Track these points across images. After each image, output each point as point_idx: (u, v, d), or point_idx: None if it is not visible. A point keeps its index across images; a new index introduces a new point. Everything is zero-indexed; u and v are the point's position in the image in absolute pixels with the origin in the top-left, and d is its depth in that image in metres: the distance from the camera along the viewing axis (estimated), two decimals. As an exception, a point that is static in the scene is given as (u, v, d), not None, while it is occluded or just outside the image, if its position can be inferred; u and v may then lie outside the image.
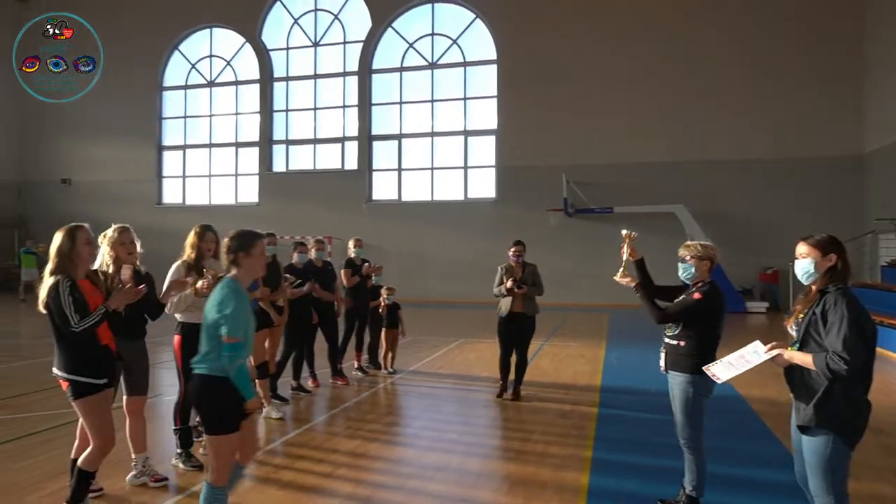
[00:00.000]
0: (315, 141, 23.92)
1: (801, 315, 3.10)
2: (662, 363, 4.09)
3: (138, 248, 4.43)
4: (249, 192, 24.34)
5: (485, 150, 22.20)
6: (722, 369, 3.28)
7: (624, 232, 4.35)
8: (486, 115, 22.09)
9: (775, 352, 3.08)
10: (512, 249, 7.27)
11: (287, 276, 6.95)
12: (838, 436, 2.89)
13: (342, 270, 8.31)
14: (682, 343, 3.97)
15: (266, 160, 24.12)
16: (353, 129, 23.32)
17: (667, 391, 4.17)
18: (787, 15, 18.99)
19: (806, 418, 2.98)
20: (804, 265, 3.13)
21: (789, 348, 3.08)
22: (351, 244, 8.63)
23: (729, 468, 4.83)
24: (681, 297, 4.05)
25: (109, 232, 4.39)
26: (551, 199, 19.96)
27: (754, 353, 3.15)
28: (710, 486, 4.08)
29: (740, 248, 18.38)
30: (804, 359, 2.97)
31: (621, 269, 4.27)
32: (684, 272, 4.10)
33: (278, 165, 24.25)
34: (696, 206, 18.59)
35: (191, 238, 4.97)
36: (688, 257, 4.08)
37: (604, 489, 4.50)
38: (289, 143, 24.38)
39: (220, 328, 3.22)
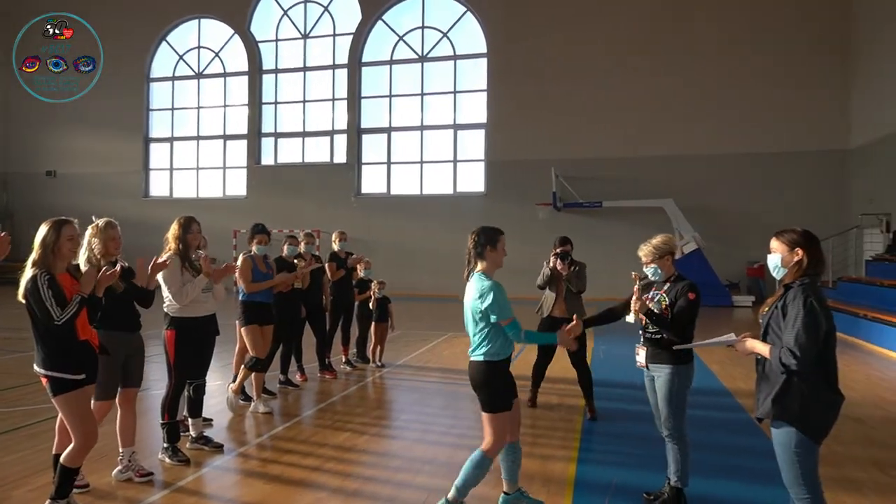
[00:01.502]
0: (304, 134, 23.81)
1: (767, 308, 3.17)
2: (642, 359, 4.12)
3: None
4: (237, 185, 24.21)
5: (474, 144, 22.21)
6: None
7: (634, 274, 4.21)
8: (476, 108, 22.09)
9: (742, 339, 3.16)
10: (558, 250, 6.43)
11: (299, 261, 7.09)
12: (800, 430, 2.94)
13: (327, 264, 8.29)
14: (667, 336, 4.02)
15: (254, 153, 23.98)
16: (342, 123, 23.22)
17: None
18: (777, 11, 19.09)
19: (763, 411, 3.05)
20: (773, 260, 3.19)
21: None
22: (335, 237, 8.61)
23: (713, 458, 4.89)
24: (666, 297, 4.08)
25: (100, 223, 4.35)
26: (540, 193, 20.01)
27: (725, 338, 3.25)
28: (694, 477, 4.12)
29: (727, 243, 18.53)
30: (764, 349, 3.04)
31: (631, 316, 4.13)
32: (654, 275, 4.18)
33: (267, 158, 24.13)
34: (684, 200, 18.72)
35: (174, 230, 4.91)
36: (648, 262, 4.15)
37: (590, 481, 4.53)
38: (277, 135, 24.24)
39: (488, 317, 3.63)
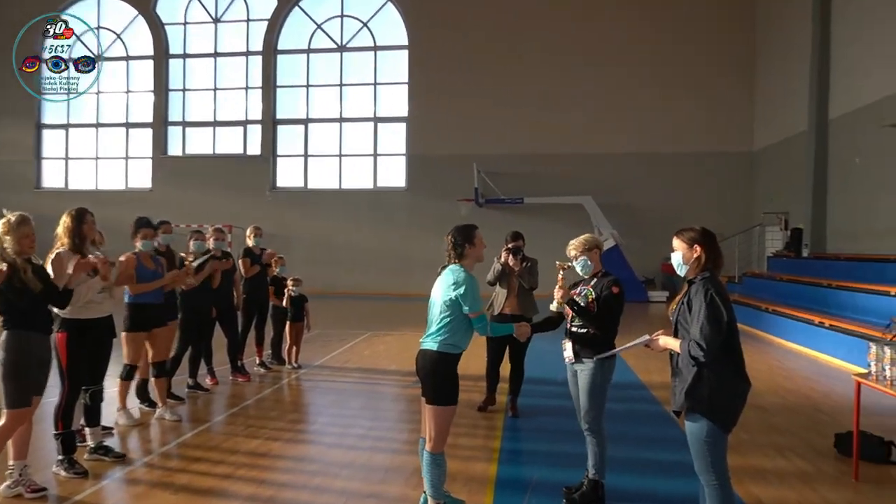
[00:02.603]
0: (215, 123, 22.99)
1: (675, 305, 3.34)
2: (569, 353, 4.23)
3: None
4: (141, 176, 23.13)
5: (395, 138, 22.13)
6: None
7: (558, 263, 4.28)
8: (397, 101, 22.00)
9: (656, 336, 3.32)
10: (510, 245, 6.32)
11: (187, 256, 6.61)
12: (711, 420, 3.10)
13: (240, 260, 8.12)
14: (592, 330, 4.15)
15: (160, 143, 22.92)
16: (256, 112, 22.62)
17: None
18: (689, 15, 20.06)
19: (678, 403, 3.21)
20: (675, 258, 3.39)
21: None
22: (249, 233, 8.45)
23: (629, 451, 5.09)
24: (593, 292, 4.21)
25: (12, 219, 4.07)
26: (462, 188, 20.18)
27: (640, 339, 3.40)
28: (611, 469, 4.27)
29: (643, 240, 19.32)
30: (676, 344, 3.21)
31: (554, 304, 4.20)
32: (583, 268, 4.33)
33: (174, 149, 23.16)
34: (602, 198, 19.36)
35: (66, 223, 4.58)
36: (578, 254, 4.29)
37: (511, 479, 4.61)
38: (186, 125, 23.24)
39: (456, 307, 3.69)
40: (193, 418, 6.22)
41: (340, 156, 22.42)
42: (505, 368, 6.57)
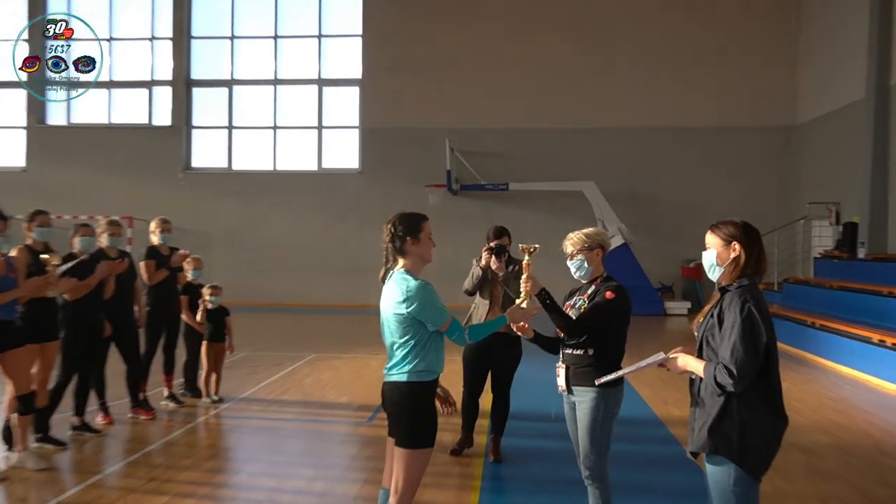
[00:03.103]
0: (110, 84, 22.73)
1: (702, 317, 3.38)
2: (562, 381, 4.24)
3: None
4: (12, 152, 22.85)
5: (346, 106, 22.11)
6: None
7: (522, 246, 4.28)
8: (349, 59, 22.02)
9: (674, 354, 3.33)
10: (493, 244, 6.23)
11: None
12: (739, 464, 3.14)
13: (142, 262, 8.04)
14: (591, 351, 4.16)
15: (37, 109, 22.61)
16: (165, 71, 22.47)
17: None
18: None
19: (698, 442, 3.23)
20: (708, 257, 3.41)
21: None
22: (153, 227, 8.38)
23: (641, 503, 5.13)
24: (588, 301, 4.22)
25: None
26: (431, 171, 20.20)
27: (653, 358, 3.41)
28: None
29: (660, 237, 19.53)
30: (699, 367, 3.23)
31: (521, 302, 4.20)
32: (577, 270, 4.35)
33: (56, 117, 22.96)
34: (608, 184, 19.53)
35: None
36: (575, 252, 4.31)
37: (492, 542, 4.60)
38: (71, 84, 22.80)
39: (416, 326, 3.69)
40: (79, 469, 6.14)
41: (275, 128, 22.34)
42: (486, 400, 6.55)
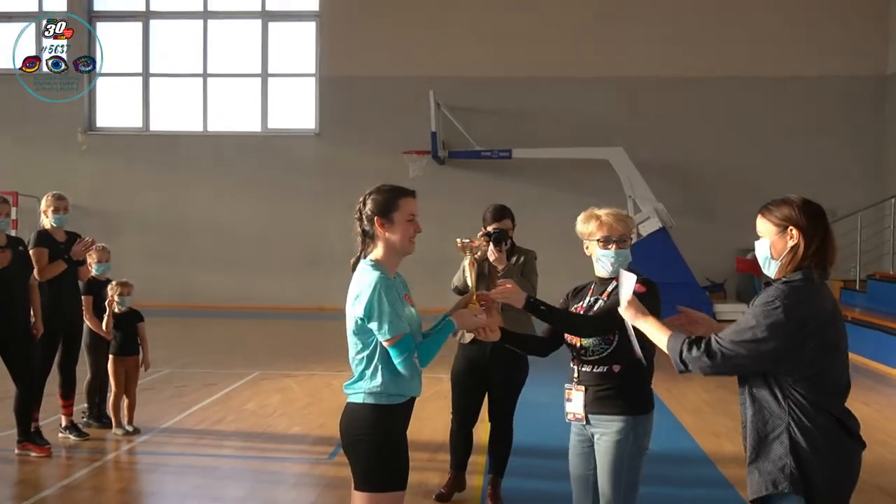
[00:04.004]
0: (-12, 20, 22.64)
1: None
2: (576, 407, 4.19)
3: None
4: None
5: (298, 48, 22.18)
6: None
7: (459, 241, 4.35)
8: (301, -14, 22.04)
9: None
10: (491, 228, 6.28)
11: None
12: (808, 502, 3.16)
13: (33, 250, 7.99)
14: (619, 367, 4.12)
15: None
16: (58, 0, 22.22)
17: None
18: None
19: (757, 486, 3.20)
20: (761, 248, 3.38)
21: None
22: (45, 206, 8.34)
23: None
24: (601, 297, 4.23)
25: None
26: (411, 134, 20.19)
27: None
28: None
29: (708, 220, 19.56)
30: (654, 332, 3.44)
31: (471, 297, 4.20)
32: (621, 262, 4.18)
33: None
34: (641, 151, 19.49)
35: None
36: (627, 236, 4.27)
37: None
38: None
39: (370, 333, 3.69)
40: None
41: (205, 76, 22.38)
42: (481, 430, 6.59)
